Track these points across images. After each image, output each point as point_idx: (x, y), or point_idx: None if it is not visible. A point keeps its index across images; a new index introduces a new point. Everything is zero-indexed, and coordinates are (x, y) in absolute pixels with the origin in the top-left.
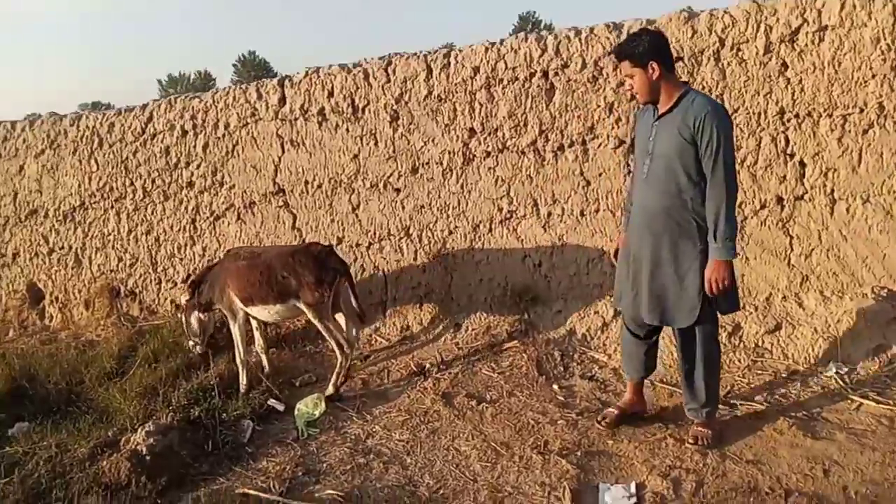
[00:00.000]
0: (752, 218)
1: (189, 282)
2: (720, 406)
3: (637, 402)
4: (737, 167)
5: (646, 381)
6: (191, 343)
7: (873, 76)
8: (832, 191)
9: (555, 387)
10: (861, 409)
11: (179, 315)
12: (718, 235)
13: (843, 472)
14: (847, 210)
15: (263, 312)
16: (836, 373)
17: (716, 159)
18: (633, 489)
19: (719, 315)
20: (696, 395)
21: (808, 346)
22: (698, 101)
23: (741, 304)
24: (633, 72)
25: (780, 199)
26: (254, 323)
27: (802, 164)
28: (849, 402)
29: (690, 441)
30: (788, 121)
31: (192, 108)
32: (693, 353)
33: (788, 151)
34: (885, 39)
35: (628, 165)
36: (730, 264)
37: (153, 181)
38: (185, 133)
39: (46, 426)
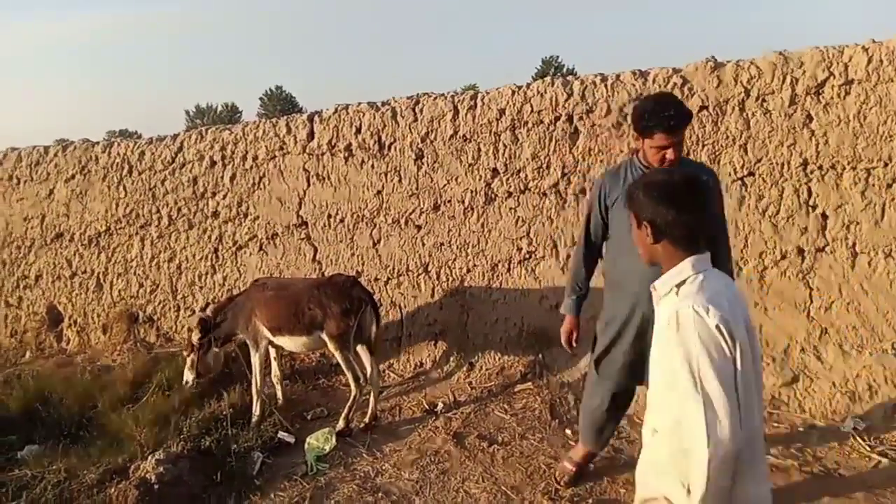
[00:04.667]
0: (772, 268)
1: (199, 321)
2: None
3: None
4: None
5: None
6: (189, 377)
7: None
8: (854, 244)
9: (567, 431)
10: (879, 467)
11: (185, 353)
12: None
13: None
14: (868, 264)
15: (291, 343)
16: (854, 428)
17: None
18: None
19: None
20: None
21: (826, 400)
22: None
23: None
24: (680, 138)
25: (800, 251)
26: (272, 352)
27: (824, 216)
28: (867, 459)
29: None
30: (811, 172)
31: (223, 139)
32: None
33: (811, 203)
34: None
35: (588, 236)
36: None
37: (179, 210)
38: (213, 164)
39: (57, 450)
